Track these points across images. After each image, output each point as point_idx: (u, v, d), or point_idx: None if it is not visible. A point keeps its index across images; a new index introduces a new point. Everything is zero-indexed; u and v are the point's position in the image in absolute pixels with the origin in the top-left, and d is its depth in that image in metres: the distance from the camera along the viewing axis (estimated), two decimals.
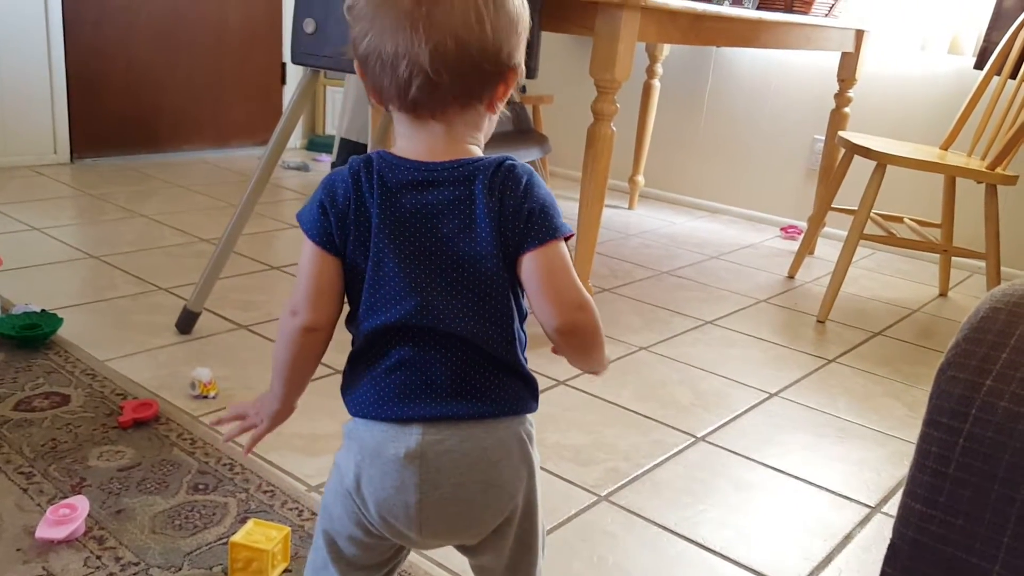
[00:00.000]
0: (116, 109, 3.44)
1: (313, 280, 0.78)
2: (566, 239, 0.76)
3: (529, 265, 0.75)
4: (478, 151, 0.79)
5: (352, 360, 0.80)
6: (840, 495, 1.48)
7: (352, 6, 0.75)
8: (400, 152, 0.78)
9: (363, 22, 0.74)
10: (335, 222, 0.76)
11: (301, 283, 0.79)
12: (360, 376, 0.78)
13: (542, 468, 1.46)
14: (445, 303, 0.74)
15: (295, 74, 3.89)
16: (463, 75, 0.74)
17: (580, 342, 0.78)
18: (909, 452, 1.60)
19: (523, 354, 0.80)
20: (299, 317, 0.79)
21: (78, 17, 3.25)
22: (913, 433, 1.72)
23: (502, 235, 0.74)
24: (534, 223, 0.74)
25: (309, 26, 1.66)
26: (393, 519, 0.78)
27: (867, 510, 1.45)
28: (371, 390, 0.77)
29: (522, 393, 0.79)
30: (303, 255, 0.79)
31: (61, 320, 1.79)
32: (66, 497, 1.23)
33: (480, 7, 0.72)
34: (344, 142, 3.29)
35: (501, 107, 0.79)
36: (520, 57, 0.77)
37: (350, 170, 0.77)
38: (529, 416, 0.81)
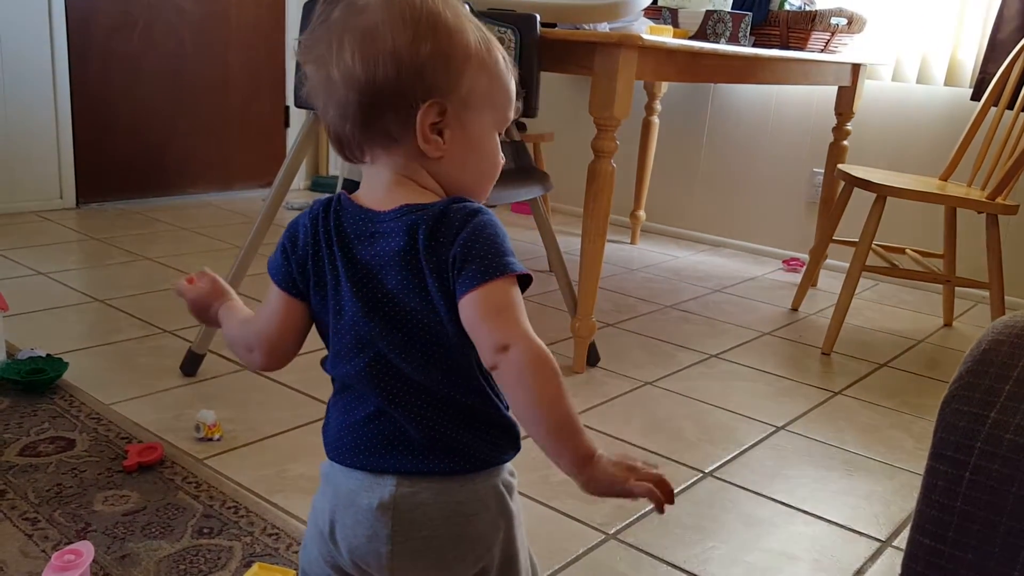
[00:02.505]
0: (121, 154, 3.48)
1: (276, 324, 0.78)
2: (520, 279, 0.70)
3: (462, 312, 0.70)
4: (432, 195, 0.74)
5: (334, 399, 0.79)
6: (850, 529, 1.47)
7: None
8: (358, 197, 0.76)
9: None
10: (296, 268, 0.76)
11: (263, 324, 0.80)
12: (339, 420, 0.77)
13: (549, 507, 1.46)
14: (402, 356, 0.72)
15: (298, 117, 3.93)
16: (357, 114, 0.71)
17: (517, 386, 0.68)
18: (918, 484, 1.58)
19: (502, 400, 0.76)
20: (255, 356, 0.81)
21: (84, 63, 3.30)
22: (921, 465, 1.70)
23: (443, 284, 0.70)
24: (467, 266, 0.69)
25: None
26: (366, 566, 0.77)
27: (877, 544, 1.43)
28: (348, 436, 0.76)
29: (500, 442, 0.76)
30: (269, 297, 0.79)
31: (66, 364, 1.80)
32: (71, 543, 1.23)
33: (353, 41, 0.69)
34: (347, 183, 3.31)
35: (438, 141, 0.72)
36: (439, 90, 0.71)
37: (311, 214, 0.76)
38: (508, 465, 0.79)
